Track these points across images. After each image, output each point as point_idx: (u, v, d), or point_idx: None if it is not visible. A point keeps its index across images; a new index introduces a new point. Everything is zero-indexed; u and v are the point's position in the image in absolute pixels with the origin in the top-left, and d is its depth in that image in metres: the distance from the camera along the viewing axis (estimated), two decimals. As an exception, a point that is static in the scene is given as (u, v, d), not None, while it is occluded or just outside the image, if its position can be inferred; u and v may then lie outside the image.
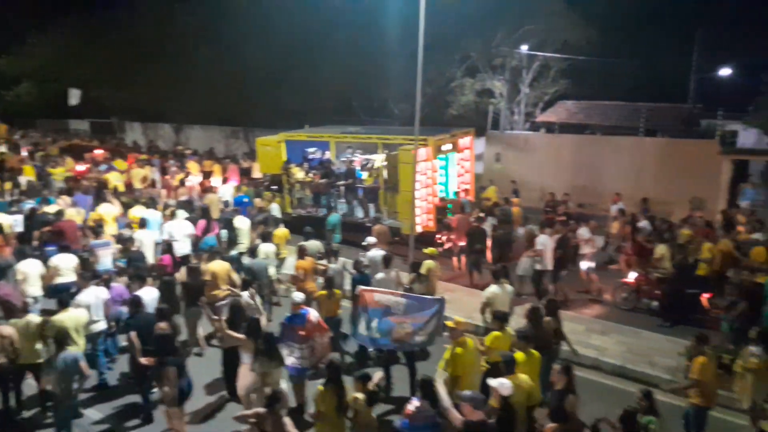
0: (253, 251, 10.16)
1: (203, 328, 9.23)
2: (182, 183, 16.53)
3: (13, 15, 33.85)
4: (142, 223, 11.36)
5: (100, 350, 8.21)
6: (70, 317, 7.32)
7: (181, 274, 9.39)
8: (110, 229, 12.11)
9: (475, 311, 8.64)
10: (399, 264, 10.77)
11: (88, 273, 8.91)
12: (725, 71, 27.69)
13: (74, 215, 12.29)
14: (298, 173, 15.98)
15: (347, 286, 9.69)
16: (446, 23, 20.63)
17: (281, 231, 11.93)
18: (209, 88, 27.29)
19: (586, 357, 8.89)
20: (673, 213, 15.20)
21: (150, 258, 10.81)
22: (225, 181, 18.56)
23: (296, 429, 5.39)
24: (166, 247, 10.82)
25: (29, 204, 12.96)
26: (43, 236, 11.19)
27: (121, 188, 16.39)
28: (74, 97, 32.18)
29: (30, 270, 9.21)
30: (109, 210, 12.70)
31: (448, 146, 15.27)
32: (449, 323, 6.89)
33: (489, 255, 12.36)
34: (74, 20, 31.19)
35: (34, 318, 7.39)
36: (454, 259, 13.11)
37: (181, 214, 12.34)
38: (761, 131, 25.37)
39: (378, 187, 14.65)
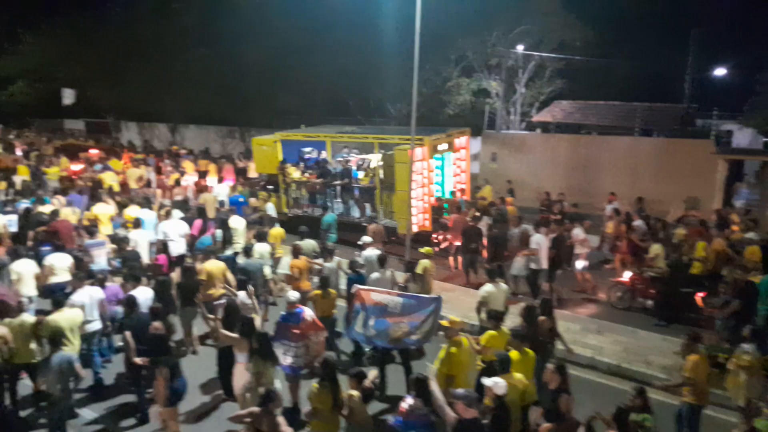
0: (247, 251, 10.16)
1: (198, 328, 9.22)
2: (177, 183, 16.50)
3: (7, 14, 33.73)
4: (137, 223, 11.34)
5: (95, 350, 8.19)
6: (64, 317, 7.31)
7: (177, 274, 9.38)
8: (105, 229, 12.09)
9: (472, 311, 8.67)
10: (395, 264, 10.79)
11: (83, 273, 8.89)
12: (720, 71, 27.87)
13: (69, 215, 12.27)
14: (294, 173, 15.97)
15: (342, 285, 9.70)
16: (442, 23, 20.67)
17: (277, 230, 11.93)
18: (205, 88, 27.22)
19: (582, 356, 8.92)
20: (668, 212, 15.25)
21: (145, 258, 10.79)
22: (220, 180, 18.54)
23: (290, 428, 5.39)
24: (162, 246, 10.81)
25: (24, 204, 12.92)
26: (38, 236, 11.17)
27: (116, 188, 16.35)
28: (68, 96, 32.12)
29: (24, 270, 9.17)
30: (105, 210, 12.67)
31: (444, 146, 15.29)
32: (444, 322, 6.91)
33: (485, 254, 12.38)
34: (69, 19, 31.01)
35: (28, 318, 7.37)
36: (451, 258, 13.13)
37: (177, 213, 12.32)
38: (756, 131, 25.51)
39: (374, 187, 14.65)
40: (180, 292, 8.89)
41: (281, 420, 5.34)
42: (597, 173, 19.30)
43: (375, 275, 9.02)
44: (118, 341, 8.59)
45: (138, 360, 7.04)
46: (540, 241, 10.92)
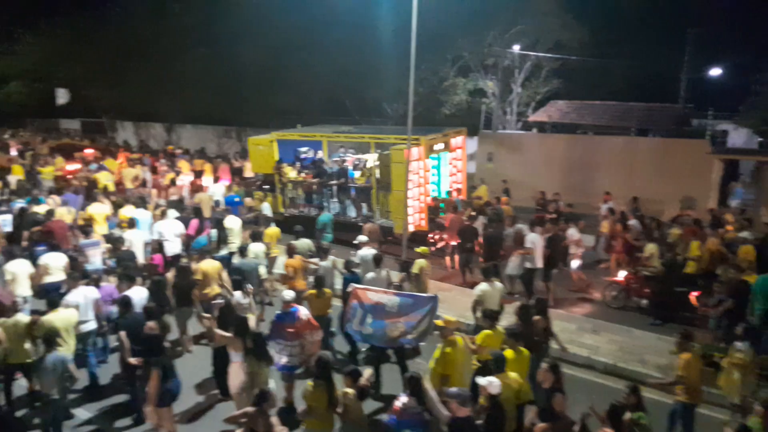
0: (242, 251, 10.15)
1: (193, 328, 9.21)
2: (173, 182, 16.48)
3: (7, 14, 33.61)
4: (132, 223, 11.32)
5: (90, 350, 8.17)
6: (59, 317, 7.29)
7: (172, 274, 9.36)
8: (101, 228, 12.06)
9: (468, 310, 8.67)
10: (390, 263, 10.79)
11: (78, 273, 8.86)
12: (716, 72, 27.94)
13: (64, 214, 12.23)
14: (291, 173, 15.96)
15: (338, 285, 9.70)
16: (439, 23, 20.69)
17: (272, 230, 11.92)
18: (201, 87, 27.20)
19: (578, 356, 8.95)
20: (664, 212, 15.30)
21: (140, 258, 10.77)
22: (216, 180, 18.52)
23: (285, 427, 5.39)
24: (157, 246, 10.79)
25: (19, 203, 12.89)
26: (33, 236, 11.14)
27: (111, 188, 16.32)
28: (62, 96, 32.08)
29: (19, 270, 9.15)
30: (100, 209, 12.64)
31: (440, 146, 15.30)
32: (439, 322, 6.91)
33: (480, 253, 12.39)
34: (68, 19, 30.97)
35: (23, 318, 7.34)
36: (447, 258, 13.14)
37: (172, 213, 12.30)
38: (751, 131, 25.61)
39: (370, 187, 14.64)
40: (175, 292, 8.88)
41: (276, 420, 5.34)
42: (593, 173, 19.33)
43: (370, 275, 9.01)
44: (113, 341, 8.57)
45: (133, 360, 7.03)
46: (535, 240, 10.94)
